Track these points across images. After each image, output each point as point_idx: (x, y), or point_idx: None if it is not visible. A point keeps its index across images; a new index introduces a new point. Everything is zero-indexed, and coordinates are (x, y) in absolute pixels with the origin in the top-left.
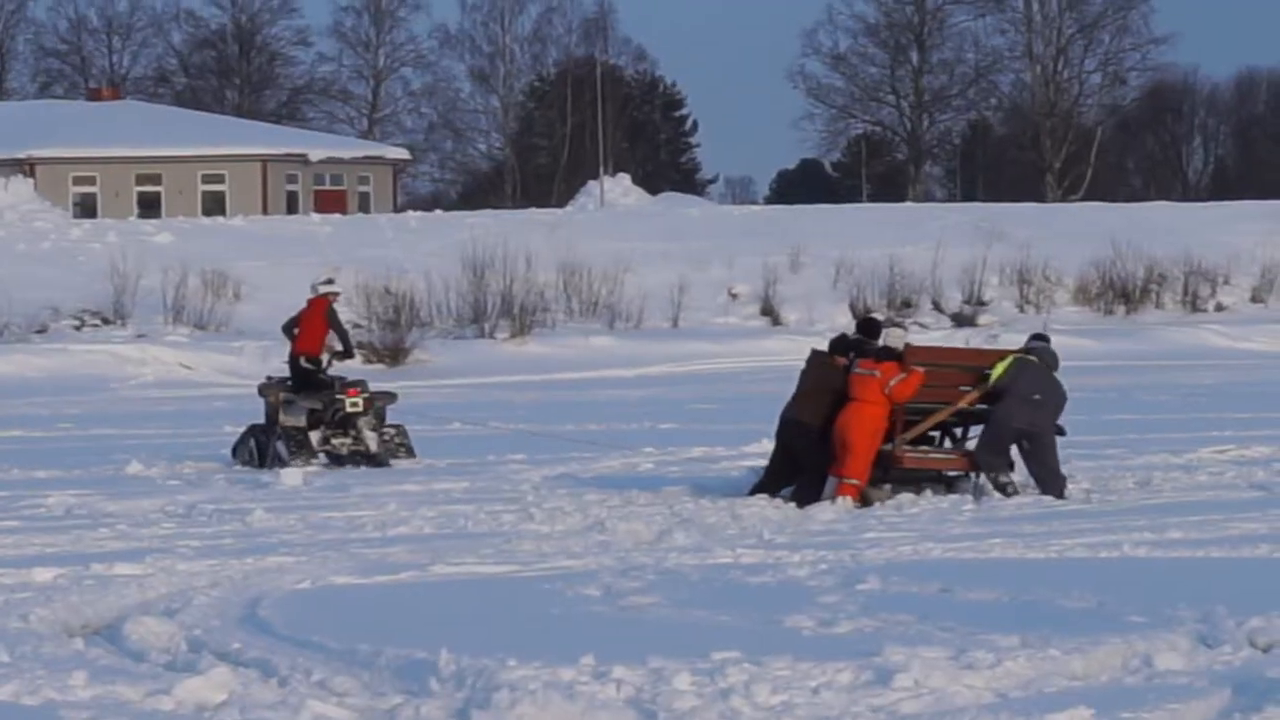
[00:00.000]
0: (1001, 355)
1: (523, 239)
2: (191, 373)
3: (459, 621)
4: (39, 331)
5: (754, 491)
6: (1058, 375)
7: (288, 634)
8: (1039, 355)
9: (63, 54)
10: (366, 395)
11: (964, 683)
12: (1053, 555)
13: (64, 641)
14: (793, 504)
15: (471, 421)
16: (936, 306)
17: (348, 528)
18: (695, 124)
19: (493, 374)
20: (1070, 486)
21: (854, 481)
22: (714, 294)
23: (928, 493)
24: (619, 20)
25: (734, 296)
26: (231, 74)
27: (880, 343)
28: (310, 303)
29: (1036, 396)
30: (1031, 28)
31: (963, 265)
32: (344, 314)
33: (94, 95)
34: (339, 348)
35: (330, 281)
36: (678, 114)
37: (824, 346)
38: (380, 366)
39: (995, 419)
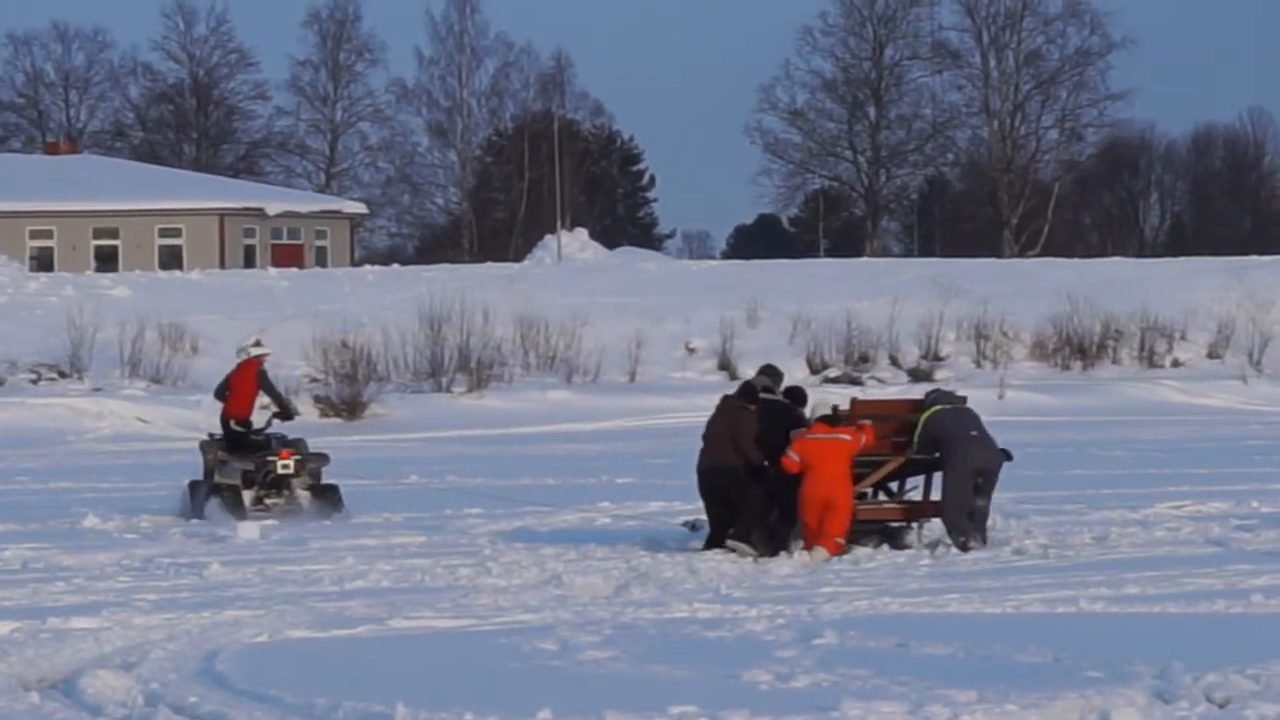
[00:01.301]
0: (917, 404)
1: (480, 293)
2: (148, 426)
3: (416, 675)
4: None
5: (708, 547)
6: (970, 408)
7: (245, 688)
8: (941, 400)
9: (19, 107)
10: (298, 457)
11: None
12: (1009, 610)
13: (20, 695)
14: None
15: (428, 475)
16: (894, 361)
17: (305, 581)
18: (653, 179)
19: (450, 428)
20: (1027, 541)
21: (842, 540)
22: (671, 348)
23: (884, 547)
24: (576, 75)
25: (691, 351)
26: (189, 128)
27: (814, 413)
28: (240, 365)
29: (974, 433)
30: (989, 84)
31: (920, 320)
32: (301, 368)
33: (51, 149)
34: (275, 409)
35: (258, 344)
36: (635, 168)
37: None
38: (337, 420)
39: (952, 472)
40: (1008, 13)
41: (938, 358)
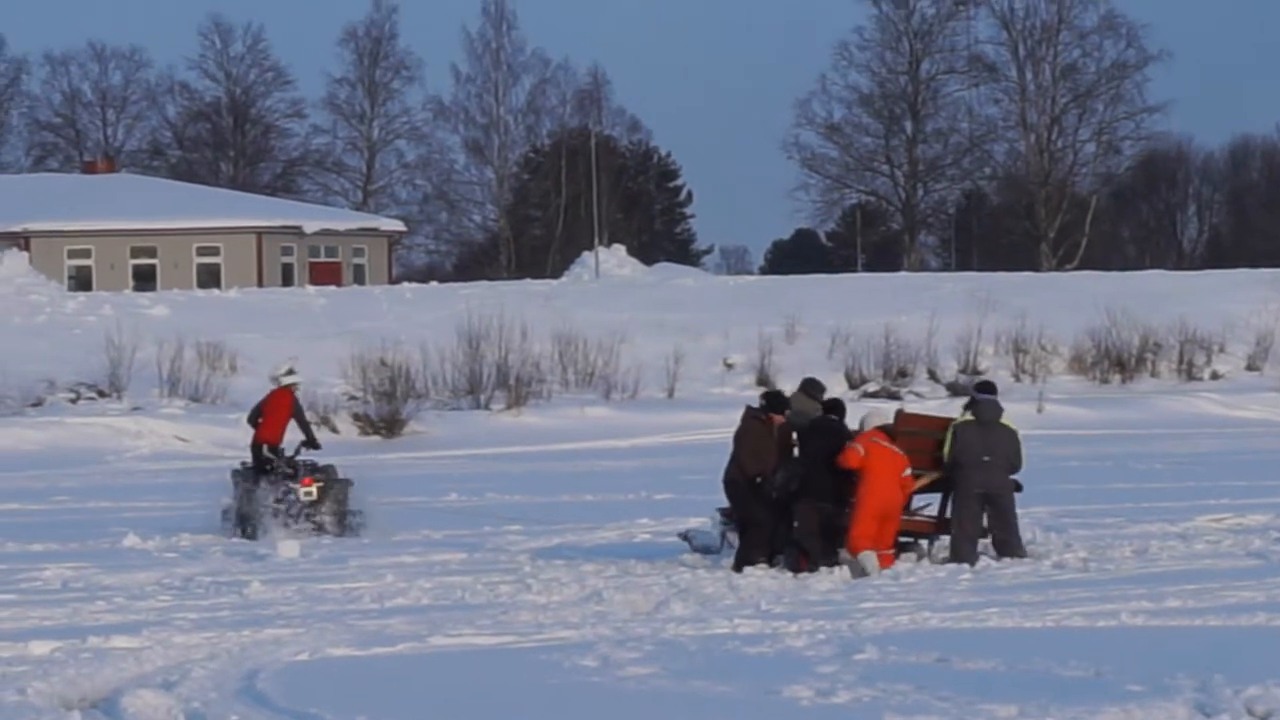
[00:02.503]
0: (949, 422)
1: (518, 310)
2: (187, 445)
3: (457, 693)
4: (34, 405)
5: (740, 565)
6: (1005, 424)
7: (286, 706)
8: (977, 413)
9: (57, 127)
10: (321, 485)
11: None
12: (1050, 624)
13: (61, 715)
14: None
15: (468, 493)
16: (932, 376)
17: (345, 599)
18: (690, 194)
19: (489, 445)
20: (1067, 555)
21: (892, 552)
22: (709, 364)
23: (924, 562)
24: (613, 91)
25: (729, 366)
26: (226, 146)
27: (865, 423)
28: (274, 393)
29: (986, 458)
30: (1025, 97)
31: (958, 334)
32: (339, 386)
33: (89, 168)
34: (304, 438)
35: (291, 371)
36: (672, 184)
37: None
38: (376, 438)
39: (957, 495)
40: (1044, 26)
41: (976, 372)
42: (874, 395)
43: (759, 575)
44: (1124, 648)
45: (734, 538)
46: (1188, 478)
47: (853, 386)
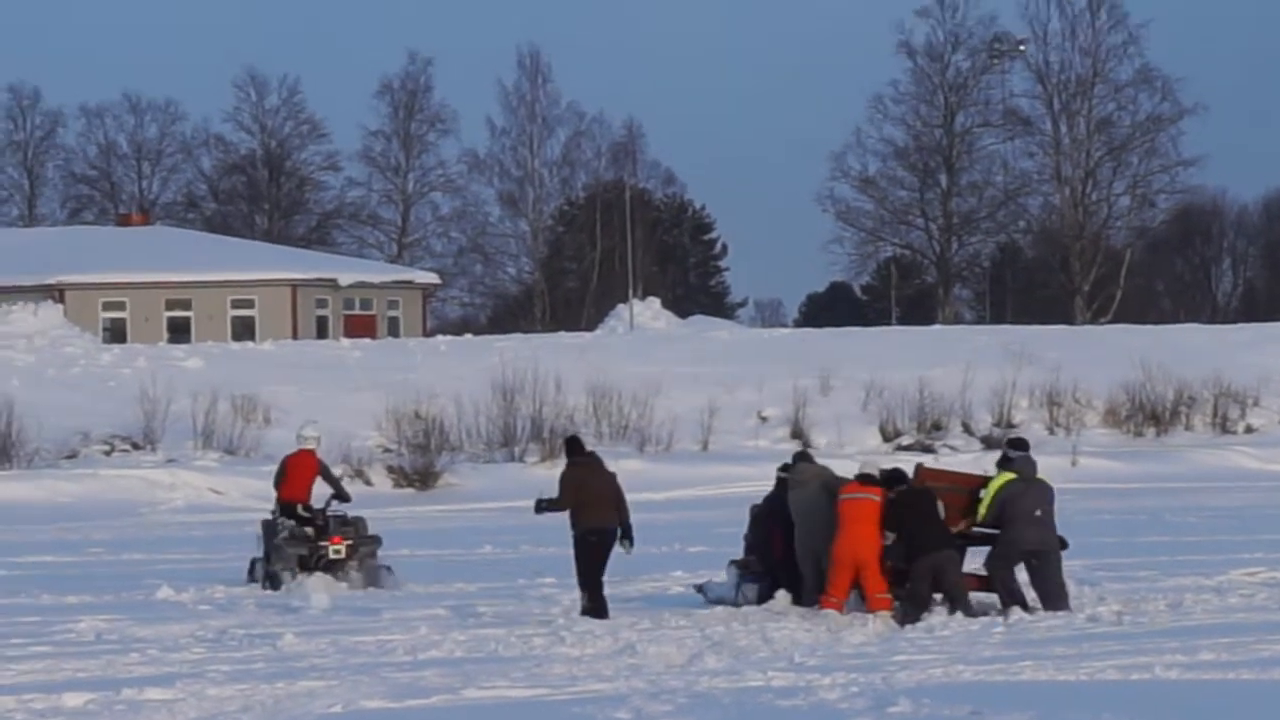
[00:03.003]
0: (986, 480)
1: (552, 362)
2: (221, 497)
3: None
4: (69, 457)
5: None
6: (1043, 479)
7: None
8: (1020, 470)
9: (92, 180)
10: (350, 543)
11: None
12: (1084, 677)
13: None
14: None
15: (502, 546)
16: (966, 429)
17: (379, 651)
18: (724, 247)
19: (523, 498)
20: (1101, 608)
21: (888, 595)
22: (744, 417)
23: (958, 615)
24: (647, 144)
25: (764, 419)
26: (261, 199)
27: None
28: (295, 455)
29: (1038, 513)
30: (1060, 150)
31: (992, 387)
32: (374, 439)
33: (123, 221)
34: (334, 493)
35: (312, 434)
36: (707, 237)
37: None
38: (410, 490)
39: (1004, 544)
40: (1079, 80)
41: (1010, 425)
42: (908, 448)
43: (792, 628)
44: (1158, 701)
45: (749, 590)
46: (1222, 531)
47: (887, 439)
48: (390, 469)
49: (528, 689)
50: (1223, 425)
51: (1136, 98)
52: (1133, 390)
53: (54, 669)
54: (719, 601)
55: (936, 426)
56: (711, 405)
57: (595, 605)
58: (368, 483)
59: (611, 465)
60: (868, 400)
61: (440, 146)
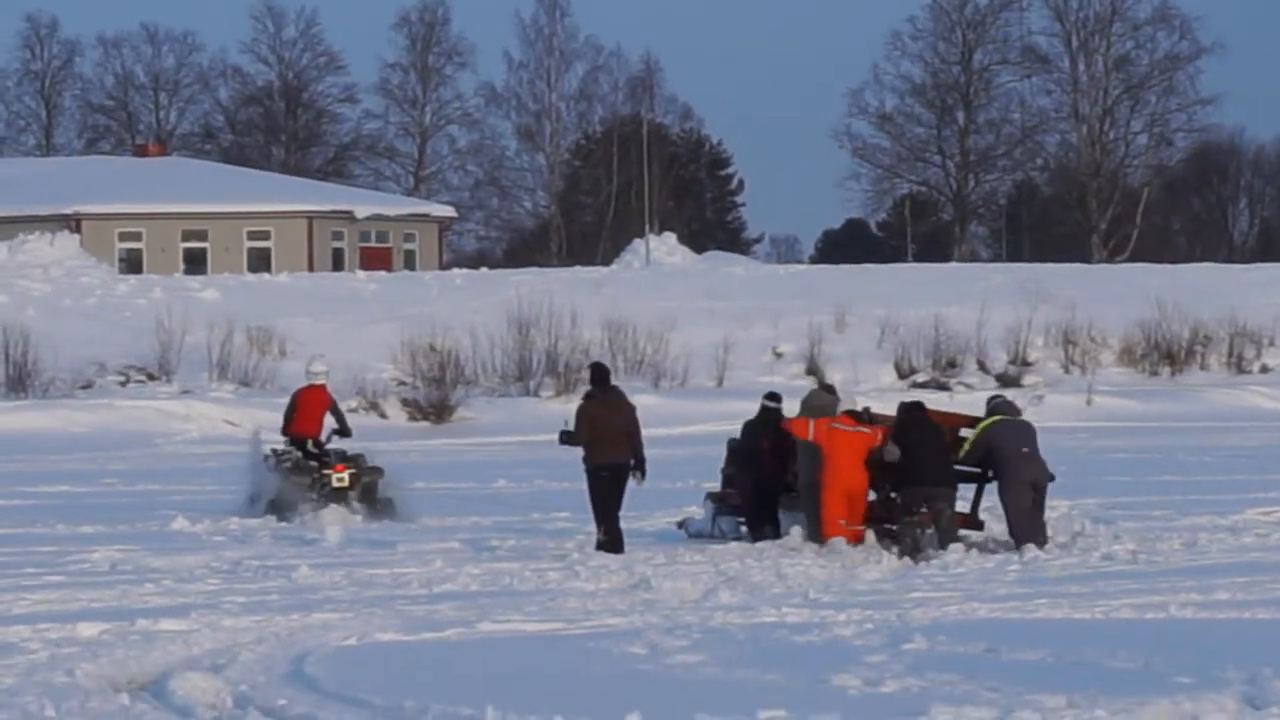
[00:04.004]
0: (969, 420)
1: (568, 297)
2: (236, 429)
3: (505, 679)
4: (84, 387)
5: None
6: (1026, 419)
7: (334, 690)
8: (1003, 409)
9: (109, 110)
10: (353, 471)
11: None
12: (1099, 616)
13: (110, 697)
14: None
15: (516, 480)
16: (982, 367)
17: (393, 584)
18: (741, 183)
19: (538, 432)
20: (1116, 547)
21: (861, 528)
22: (759, 353)
23: (973, 552)
24: (665, 79)
25: (779, 355)
26: (278, 131)
27: (844, 408)
28: (305, 390)
29: (1025, 449)
30: (1078, 88)
31: (1008, 326)
32: (389, 371)
33: (140, 151)
34: (337, 427)
35: (321, 369)
36: (723, 173)
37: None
38: (425, 424)
39: (1007, 486)
40: (1097, 17)
41: (1026, 363)
42: (923, 385)
43: (807, 564)
44: (1173, 640)
45: (725, 524)
46: (1237, 470)
47: (902, 376)
48: (405, 402)
49: (542, 623)
50: (1238, 365)
51: (1155, 36)
52: (1148, 329)
53: (69, 599)
54: (698, 535)
55: (951, 364)
56: (727, 341)
57: (611, 539)
58: (383, 415)
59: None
60: (883, 337)
61: (457, 79)
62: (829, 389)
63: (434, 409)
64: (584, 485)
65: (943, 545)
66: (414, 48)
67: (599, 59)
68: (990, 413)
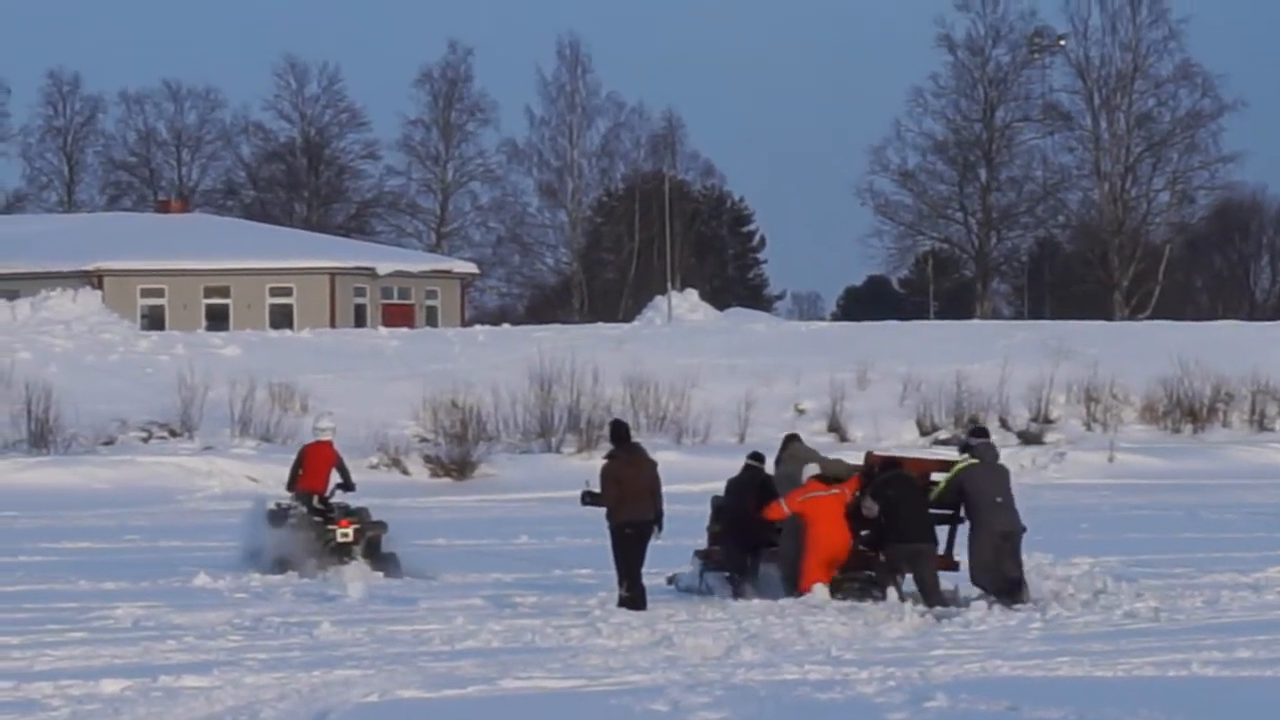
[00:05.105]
0: (944, 465)
1: (590, 353)
2: (258, 485)
3: None
4: (106, 443)
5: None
6: (1003, 465)
7: None
8: (980, 455)
9: (132, 166)
10: (357, 527)
11: None
12: (1120, 674)
13: None
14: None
15: (539, 536)
16: (1004, 424)
17: (415, 641)
18: (763, 239)
19: (560, 488)
20: (1138, 604)
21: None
22: (781, 409)
23: (995, 609)
24: (687, 135)
25: (801, 412)
26: (300, 187)
27: (808, 475)
28: (312, 446)
29: (999, 499)
30: (1100, 146)
31: (1030, 383)
32: (411, 428)
33: (163, 207)
34: (341, 481)
35: (331, 424)
36: (745, 229)
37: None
38: (447, 480)
39: (978, 536)
40: (1119, 75)
41: (1048, 420)
42: (945, 443)
43: (829, 621)
44: (1195, 698)
45: (711, 580)
46: (1259, 528)
47: (924, 433)
48: (427, 459)
49: (564, 680)
50: (1260, 422)
51: (1177, 93)
52: (1170, 386)
53: (91, 655)
54: (689, 590)
55: (973, 421)
56: (749, 397)
57: (633, 596)
58: (405, 472)
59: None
60: (905, 394)
61: (479, 136)
62: (795, 438)
63: (456, 465)
64: (606, 542)
65: (929, 605)
66: (436, 104)
67: (621, 116)
68: (965, 450)
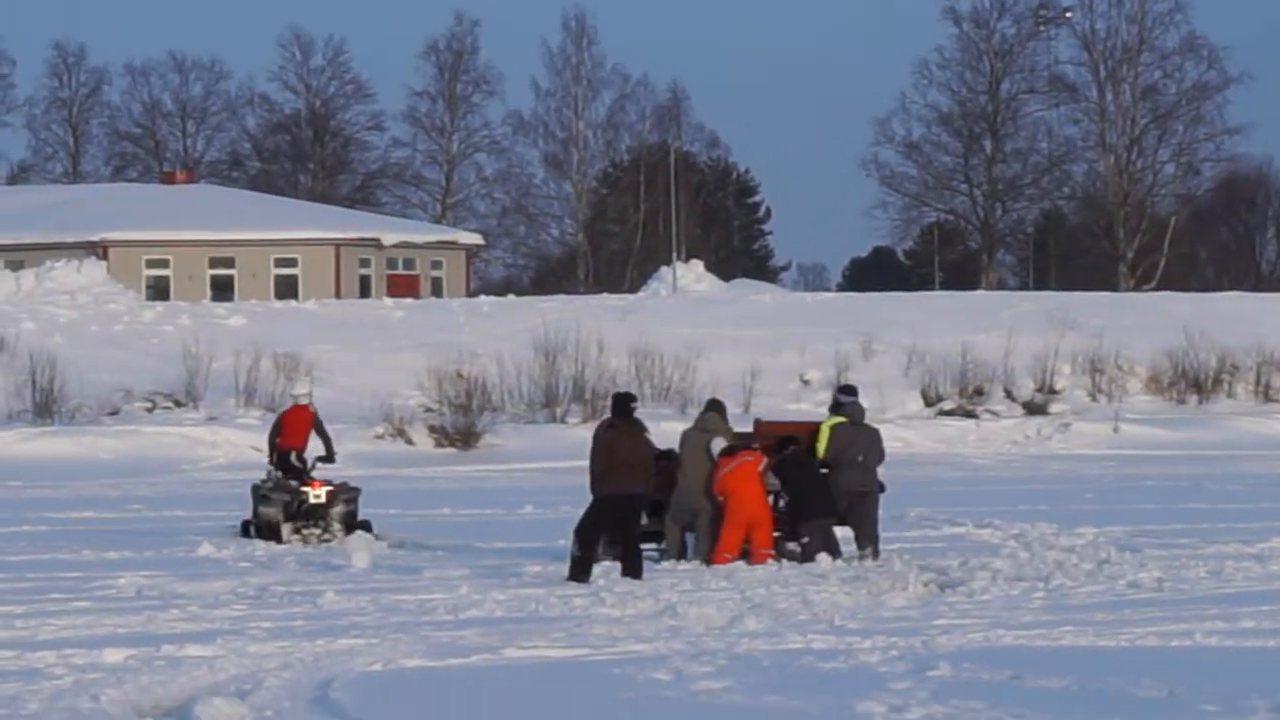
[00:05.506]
0: (811, 427)
1: (595, 324)
2: (262, 455)
3: (530, 705)
4: (111, 413)
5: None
6: (870, 424)
7: (359, 716)
8: (849, 414)
9: (137, 138)
10: (330, 488)
11: None
12: (1124, 643)
13: None
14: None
15: (543, 506)
16: (1009, 395)
17: (419, 610)
18: (768, 211)
19: (564, 459)
20: (1142, 575)
21: (771, 551)
22: (786, 380)
23: (998, 579)
24: (692, 107)
25: (806, 383)
26: (305, 158)
27: (717, 449)
28: (293, 410)
29: (860, 458)
30: (1105, 118)
31: (1035, 354)
32: (415, 398)
33: (168, 178)
34: (324, 452)
35: (306, 389)
36: (751, 200)
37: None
38: (452, 450)
39: (834, 486)
40: (1125, 47)
41: (1053, 391)
42: (949, 413)
43: (833, 590)
44: (1198, 668)
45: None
46: (1264, 499)
47: (929, 404)
48: (432, 429)
49: (568, 649)
50: (1265, 393)
51: (1182, 65)
52: (1175, 357)
53: (94, 624)
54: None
55: (979, 392)
56: (754, 368)
57: (584, 565)
58: (410, 442)
59: (654, 428)
60: (910, 365)
61: (485, 107)
62: (717, 406)
63: (461, 436)
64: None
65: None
66: (442, 76)
67: (626, 87)
68: (834, 409)
